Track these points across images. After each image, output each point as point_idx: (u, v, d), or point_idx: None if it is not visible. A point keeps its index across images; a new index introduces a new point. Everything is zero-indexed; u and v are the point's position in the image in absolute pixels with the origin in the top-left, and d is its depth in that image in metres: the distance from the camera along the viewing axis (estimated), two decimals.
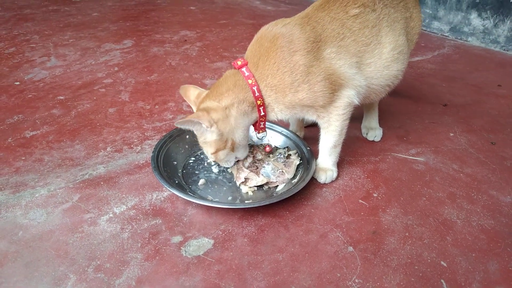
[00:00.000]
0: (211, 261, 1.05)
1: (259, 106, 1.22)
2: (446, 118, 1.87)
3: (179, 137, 1.49)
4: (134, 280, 0.99)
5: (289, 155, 1.41)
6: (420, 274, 1.04)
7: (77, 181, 1.34)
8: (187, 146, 1.49)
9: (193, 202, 1.23)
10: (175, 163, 1.42)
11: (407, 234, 1.17)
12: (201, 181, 1.35)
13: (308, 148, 1.43)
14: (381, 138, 1.66)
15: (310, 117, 1.30)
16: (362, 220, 1.22)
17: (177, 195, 1.21)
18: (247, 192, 1.30)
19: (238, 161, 1.34)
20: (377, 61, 1.29)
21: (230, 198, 1.29)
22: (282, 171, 1.34)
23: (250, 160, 1.35)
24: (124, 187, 1.32)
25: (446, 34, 3.20)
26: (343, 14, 1.25)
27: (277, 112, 1.25)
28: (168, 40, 2.84)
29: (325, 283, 1.00)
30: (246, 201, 1.26)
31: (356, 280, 1.01)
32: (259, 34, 1.26)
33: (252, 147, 1.39)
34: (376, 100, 1.55)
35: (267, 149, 1.38)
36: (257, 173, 1.32)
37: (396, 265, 1.06)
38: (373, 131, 1.66)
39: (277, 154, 1.40)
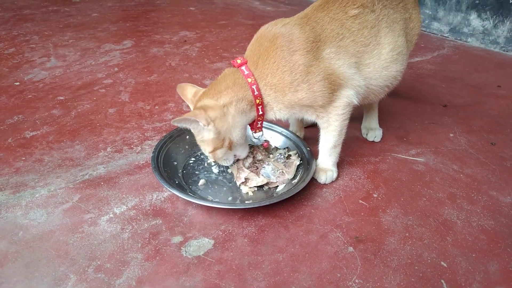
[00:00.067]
0: (211, 261, 1.05)
1: (258, 105, 1.22)
2: (446, 119, 1.87)
3: (179, 138, 1.49)
4: (134, 280, 0.99)
5: (289, 155, 1.41)
6: (420, 275, 1.04)
7: (77, 182, 1.34)
8: (187, 147, 1.49)
9: (193, 203, 1.23)
10: (175, 163, 1.42)
11: (407, 234, 1.17)
12: (201, 182, 1.35)
13: (308, 148, 1.43)
14: (381, 139, 1.67)
15: (309, 117, 1.30)
16: (362, 221, 1.22)
17: (177, 196, 1.21)
18: (247, 193, 1.30)
19: (238, 161, 1.34)
20: (376, 61, 1.30)
21: (230, 198, 1.29)
22: (282, 172, 1.34)
23: (250, 160, 1.35)
24: (124, 187, 1.32)
25: (446, 35, 3.20)
26: (342, 14, 1.26)
27: (276, 111, 1.25)
28: (168, 41, 2.84)
29: (325, 283, 1.00)
30: (246, 202, 1.26)
31: (356, 281, 1.01)
32: (259, 34, 1.26)
33: (252, 147, 1.39)
34: (375, 101, 1.55)
35: (265, 144, 1.38)
36: (257, 174, 1.32)
37: (396, 265, 1.06)
38: (373, 131, 1.66)
39: (277, 154, 1.40)
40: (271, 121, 1.47)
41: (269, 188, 1.33)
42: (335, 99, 1.25)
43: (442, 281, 1.02)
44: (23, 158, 1.46)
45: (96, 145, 1.56)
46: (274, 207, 1.24)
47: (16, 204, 1.23)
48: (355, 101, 1.29)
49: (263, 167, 1.35)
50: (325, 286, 1.00)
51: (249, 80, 1.20)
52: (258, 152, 1.38)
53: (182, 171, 1.41)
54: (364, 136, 1.68)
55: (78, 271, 1.01)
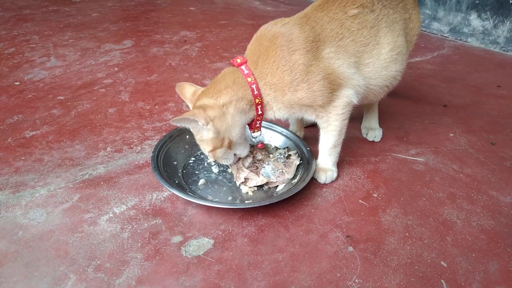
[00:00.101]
0: (211, 261, 1.05)
1: (257, 104, 1.22)
2: (446, 119, 1.87)
3: (179, 137, 1.49)
4: (134, 280, 0.99)
5: (289, 155, 1.41)
6: (420, 274, 1.04)
7: (77, 181, 1.34)
8: (187, 146, 1.49)
9: (193, 202, 1.23)
10: (175, 163, 1.42)
11: (407, 234, 1.17)
12: (201, 181, 1.35)
13: (308, 148, 1.43)
14: (381, 139, 1.67)
15: (309, 117, 1.30)
16: (362, 220, 1.22)
17: (177, 195, 1.21)
18: (247, 192, 1.30)
19: (238, 160, 1.34)
20: (375, 61, 1.30)
21: (230, 198, 1.29)
22: (282, 171, 1.34)
23: (250, 160, 1.35)
24: (124, 187, 1.32)
25: (446, 35, 3.20)
26: (342, 14, 1.26)
27: (275, 110, 1.25)
28: (168, 41, 2.84)
29: (325, 283, 1.00)
30: (246, 201, 1.26)
31: (356, 280, 1.01)
32: (259, 33, 1.26)
33: (252, 147, 1.39)
34: (375, 101, 1.55)
35: (259, 145, 1.38)
36: (257, 173, 1.32)
37: (396, 265, 1.06)
38: (373, 131, 1.66)
39: (277, 154, 1.40)
40: (270, 121, 1.47)
41: (269, 188, 1.33)
42: (335, 98, 1.25)
43: (442, 281, 1.02)
44: (23, 158, 1.46)
45: (96, 145, 1.56)
46: (274, 207, 1.24)
47: (16, 203, 1.23)
48: (355, 101, 1.29)
49: (263, 167, 1.35)
50: (325, 285, 1.00)
51: (249, 79, 1.20)
52: (258, 152, 1.38)
53: (182, 171, 1.41)
54: (364, 136, 1.68)
55: (77, 270, 1.01)
